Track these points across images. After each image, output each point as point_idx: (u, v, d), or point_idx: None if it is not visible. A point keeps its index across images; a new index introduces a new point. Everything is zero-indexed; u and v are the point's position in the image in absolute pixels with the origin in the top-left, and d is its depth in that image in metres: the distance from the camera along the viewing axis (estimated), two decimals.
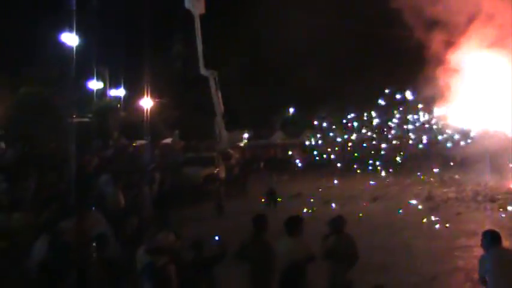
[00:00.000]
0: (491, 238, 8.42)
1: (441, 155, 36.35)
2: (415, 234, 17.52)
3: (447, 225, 18.71)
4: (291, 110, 53.55)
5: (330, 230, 10.32)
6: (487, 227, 18.17)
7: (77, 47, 25.99)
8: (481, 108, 32.69)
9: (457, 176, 31.00)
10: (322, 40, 41.39)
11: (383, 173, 33.80)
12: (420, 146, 40.47)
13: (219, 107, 40.62)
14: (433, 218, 19.70)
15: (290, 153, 40.95)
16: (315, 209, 21.48)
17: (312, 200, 23.95)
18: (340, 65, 43.18)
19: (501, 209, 21.42)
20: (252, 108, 44.16)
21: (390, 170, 34.38)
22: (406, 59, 38.85)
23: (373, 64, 43.25)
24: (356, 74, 43.51)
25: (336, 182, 30.96)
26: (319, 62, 42.77)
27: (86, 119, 39.22)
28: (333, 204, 22.88)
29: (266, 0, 40.02)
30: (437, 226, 18.73)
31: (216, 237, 9.99)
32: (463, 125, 37.14)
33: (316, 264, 9.81)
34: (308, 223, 10.73)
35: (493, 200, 23.32)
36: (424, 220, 19.61)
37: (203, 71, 40.22)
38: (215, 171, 30.18)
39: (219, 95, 40.52)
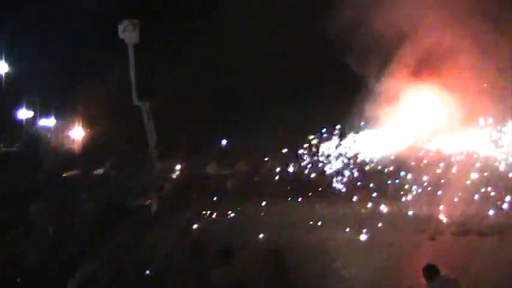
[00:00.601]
0: (431, 270, 8.88)
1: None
2: (349, 263, 17.72)
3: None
4: (225, 140, 53.55)
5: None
6: (420, 256, 18.84)
7: (6, 74, 25.43)
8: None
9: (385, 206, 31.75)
10: (261, 70, 41.86)
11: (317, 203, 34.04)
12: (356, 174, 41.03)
13: (152, 137, 40.21)
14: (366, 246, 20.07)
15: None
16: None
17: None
18: (278, 95, 43.56)
19: (432, 239, 21.99)
20: (186, 138, 43.85)
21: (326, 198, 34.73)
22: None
23: (307, 93, 43.88)
24: (290, 103, 43.82)
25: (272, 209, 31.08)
26: (256, 93, 43.17)
27: (14, 149, 38.26)
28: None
29: (204, 31, 40.30)
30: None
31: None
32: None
33: None
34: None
35: (422, 230, 23.89)
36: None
37: (136, 101, 39.83)
38: (147, 203, 29.91)
39: (152, 125, 40.14)
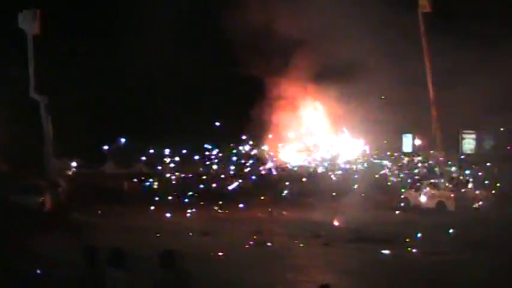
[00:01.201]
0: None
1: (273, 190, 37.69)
2: (246, 268, 17.81)
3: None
4: (123, 140, 52.53)
5: (160, 264, 9.91)
6: (314, 262, 19.23)
7: None
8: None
9: (284, 212, 32.24)
10: (163, 71, 41.54)
11: (215, 207, 34.07)
12: (253, 179, 41.38)
13: (48, 133, 38.98)
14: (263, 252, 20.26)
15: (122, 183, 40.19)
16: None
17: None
18: (179, 98, 43.31)
19: (326, 245, 22.49)
20: (83, 136, 42.69)
21: (221, 203, 34.78)
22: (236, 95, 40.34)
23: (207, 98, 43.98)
24: (192, 107, 43.72)
25: (167, 214, 30.80)
26: (157, 94, 42.82)
27: None
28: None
29: (109, 27, 39.59)
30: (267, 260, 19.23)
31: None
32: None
33: None
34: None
35: (317, 236, 24.39)
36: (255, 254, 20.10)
37: (34, 95, 38.49)
38: (41, 200, 29.05)
39: (49, 121, 38.92)
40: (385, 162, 44.48)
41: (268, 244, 22.49)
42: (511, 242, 21.75)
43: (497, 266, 17.95)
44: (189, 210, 32.27)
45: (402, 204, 35.34)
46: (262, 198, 35.15)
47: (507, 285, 16.21)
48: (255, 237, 23.84)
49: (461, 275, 17.07)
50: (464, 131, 52.31)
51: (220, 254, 20.05)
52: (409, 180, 39.07)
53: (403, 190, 37.30)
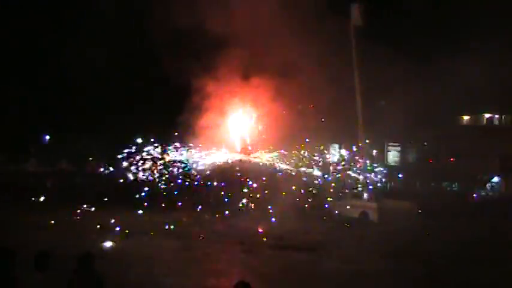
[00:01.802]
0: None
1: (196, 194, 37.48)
2: (167, 272, 17.63)
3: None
4: (47, 137, 51.31)
5: (77, 267, 9.71)
6: (235, 268, 19.22)
7: None
8: None
9: (206, 216, 32.15)
10: (88, 71, 40.82)
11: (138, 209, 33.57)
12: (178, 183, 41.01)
13: None
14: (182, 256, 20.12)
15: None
16: None
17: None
18: (108, 99, 42.63)
19: (248, 251, 22.48)
20: (6, 133, 41.49)
21: (146, 205, 34.35)
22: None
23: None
24: (123, 110, 43.09)
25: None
26: (82, 93, 42.04)
27: None
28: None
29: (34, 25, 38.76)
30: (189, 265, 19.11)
31: None
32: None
33: None
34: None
35: (240, 242, 24.37)
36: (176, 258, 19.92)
37: None
38: None
39: None
40: (311, 170, 44.95)
41: (189, 249, 22.36)
42: (427, 254, 22.45)
43: (409, 277, 18.50)
44: (112, 211, 31.77)
45: (326, 213, 35.76)
46: (185, 202, 34.90)
47: None
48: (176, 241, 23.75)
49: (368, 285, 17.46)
50: (389, 143, 53.63)
51: (140, 257, 19.74)
52: (333, 190, 39.56)
53: (329, 199, 37.68)
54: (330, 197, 37.82)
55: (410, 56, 36.92)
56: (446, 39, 39.83)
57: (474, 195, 44.85)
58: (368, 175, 41.62)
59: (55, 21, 40.22)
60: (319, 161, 43.74)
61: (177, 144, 40.93)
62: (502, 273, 19.16)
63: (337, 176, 43.73)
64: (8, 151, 43.30)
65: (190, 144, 40.15)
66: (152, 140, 40.19)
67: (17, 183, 37.59)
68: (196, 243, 23.61)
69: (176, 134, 39.91)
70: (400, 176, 50.99)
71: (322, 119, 38.90)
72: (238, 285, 8.55)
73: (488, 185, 47.09)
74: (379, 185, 43.69)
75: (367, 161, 42.87)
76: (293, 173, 40.86)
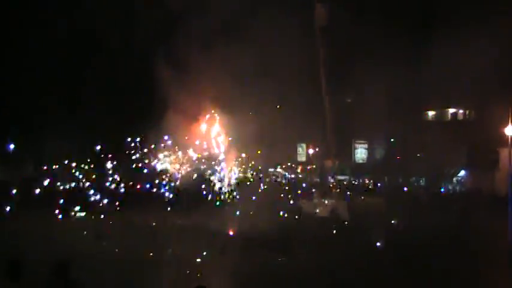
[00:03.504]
0: None
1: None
2: (138, 276, 17.46)
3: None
4: (11, 145, 50.28)
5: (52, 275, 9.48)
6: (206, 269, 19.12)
7: None
8: None
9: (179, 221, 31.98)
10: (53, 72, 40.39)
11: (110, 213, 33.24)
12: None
13: None
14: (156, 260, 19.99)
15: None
16: None
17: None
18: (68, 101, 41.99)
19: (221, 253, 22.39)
20: None
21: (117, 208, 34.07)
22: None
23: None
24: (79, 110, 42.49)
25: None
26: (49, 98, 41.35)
27: None
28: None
29: None
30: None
31: None
32: None
33: None
34: None
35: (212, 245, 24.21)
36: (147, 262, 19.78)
37: None
38: None
39: None
40: (280, 170, 45.11)
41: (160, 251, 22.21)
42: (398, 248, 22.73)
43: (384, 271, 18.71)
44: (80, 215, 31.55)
45: (297, 213, 35.84)
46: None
47: None
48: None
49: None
50: (357, 141, 54.01)
51: (111, 258, 19.58)
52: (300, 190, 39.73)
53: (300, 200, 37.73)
54: (299, 198, 37.96)
55: (376, 53, 37.19)
56: (410, 35, 40.23)
57: (441, 189, 45.48)
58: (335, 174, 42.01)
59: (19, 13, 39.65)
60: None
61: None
62: (465, 262, 19.60)
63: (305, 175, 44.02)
64: None
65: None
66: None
67: None
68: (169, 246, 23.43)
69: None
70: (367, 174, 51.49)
71: (278, 106, 39.03)
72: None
73: (454, 179, 47.73)
74: (347, 183, 44.11)
75: (335, 160, 43.24)
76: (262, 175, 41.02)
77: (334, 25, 39.12)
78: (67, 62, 40.28)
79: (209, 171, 40.30)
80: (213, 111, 41.84)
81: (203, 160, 40.76)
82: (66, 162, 40.98)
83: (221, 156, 41.02)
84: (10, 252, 12.82)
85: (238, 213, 32.47)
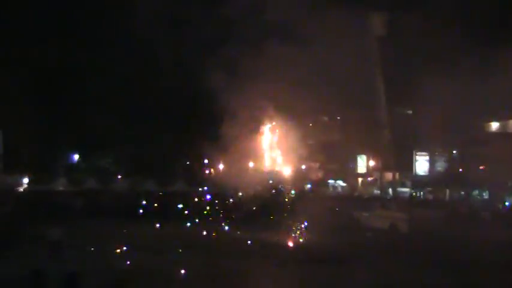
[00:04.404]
0: None
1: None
2: None
3: None
4: (76, 156, 51.71)
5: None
6: (265, 282, 19.06)
7: None
8: None
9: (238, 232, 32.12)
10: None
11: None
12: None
13: None
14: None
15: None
16: None
17: None
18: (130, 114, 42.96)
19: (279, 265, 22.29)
20: (33, 152, 41.90)
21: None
22: None
23: None
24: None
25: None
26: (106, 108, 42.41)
27: None
28: None
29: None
30: None
31: None
32: None
33: None
34: None
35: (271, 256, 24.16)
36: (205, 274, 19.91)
37: None
38: None
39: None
40: (340, 182, 44.84)
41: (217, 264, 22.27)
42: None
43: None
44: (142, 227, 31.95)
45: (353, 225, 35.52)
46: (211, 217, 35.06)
47: None
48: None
49: None
50: (417, 153, 53.10)
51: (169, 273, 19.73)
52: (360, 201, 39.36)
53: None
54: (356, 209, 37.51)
55: (437, 62, 36.57)
56: (472, 43, 39.41)
57: (506, 203, 44.17)
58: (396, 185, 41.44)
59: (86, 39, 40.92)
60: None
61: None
62: None
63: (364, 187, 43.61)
64: (37, 171, 43.75)
65: None
66: None
67: (48, 202, 38.07)
68: (224, 258, 23.44)
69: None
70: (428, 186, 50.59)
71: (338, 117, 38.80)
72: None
73: None
74: (407, 195, 43.44)
75: (395, 172, 42.69)
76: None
77: (393, 34, 38.71)
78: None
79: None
80: (273, 123, 42.03)
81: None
82: None
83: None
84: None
85: (298, 225, 32.25)
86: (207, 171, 43.15)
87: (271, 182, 40.82)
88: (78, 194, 40.98)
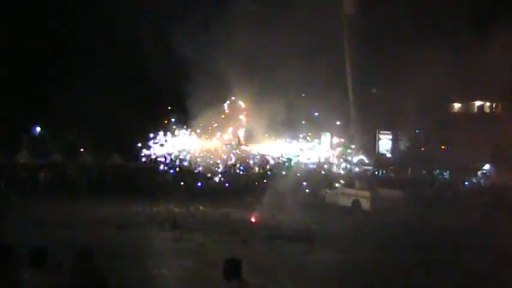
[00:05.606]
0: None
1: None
2: (160, 263, 17.63)
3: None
4: (38, 129, 50.83)
5: (78, 262, 9.56)
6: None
7: None
8: None
9: (201, 207, 32.16)
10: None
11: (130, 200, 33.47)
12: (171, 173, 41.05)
13: None
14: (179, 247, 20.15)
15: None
16: None
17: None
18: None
19: (243, 241, 22.44)
20: None
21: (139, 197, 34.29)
22: None
23: None
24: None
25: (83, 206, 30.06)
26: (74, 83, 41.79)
27: None
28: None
29: None
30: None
31: None
32: None
33: None
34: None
35: (234, 233, 24.31)
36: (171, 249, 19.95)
37: None
38: None
39: None
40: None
41: (184, 238, 22.38)
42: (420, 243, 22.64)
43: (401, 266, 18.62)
44: (106, 202, 31.79)
45: (319, 203, 35.83)
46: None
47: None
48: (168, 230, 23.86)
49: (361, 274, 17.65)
50: (381, 131, 53.67)
51: (133, 248, 19.70)
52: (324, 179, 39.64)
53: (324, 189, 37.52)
54: (322, 187, 37.78)
55: (402, 44, 36.81)
56: (437, 25, 39.73)
57: (466, 184, 45.00)
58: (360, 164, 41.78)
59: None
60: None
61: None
62: (493, 260, 19.27)
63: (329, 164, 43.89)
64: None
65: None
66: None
67: (9, 175, 37.64)
68: (189, 234, 23.53)
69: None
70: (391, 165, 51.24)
71: (303, 94, 38.96)
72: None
73: (479, 173, 47.18)
74: (370, 173, 43.86)
75: (359, 150, 43.03)
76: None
77: (361, 12, 38.79)
78: None
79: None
80: (233, 98, 42.03)
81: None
82: None
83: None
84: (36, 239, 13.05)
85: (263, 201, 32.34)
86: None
87: (235, 159, 40.97)
88: (42, 166, 40.51)
